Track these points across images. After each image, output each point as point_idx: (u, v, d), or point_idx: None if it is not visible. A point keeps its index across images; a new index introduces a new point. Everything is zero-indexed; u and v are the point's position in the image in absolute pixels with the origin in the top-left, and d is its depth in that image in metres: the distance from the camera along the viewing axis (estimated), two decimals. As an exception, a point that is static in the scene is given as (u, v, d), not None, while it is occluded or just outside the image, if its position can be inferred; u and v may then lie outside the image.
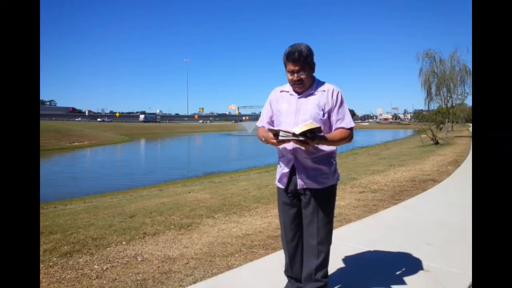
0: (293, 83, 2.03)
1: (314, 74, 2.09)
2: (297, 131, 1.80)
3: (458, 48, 25.41)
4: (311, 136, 1.82)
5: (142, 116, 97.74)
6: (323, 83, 2.09)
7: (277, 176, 2.18)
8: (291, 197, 2.12)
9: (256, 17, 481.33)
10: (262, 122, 2.21)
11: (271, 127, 1.97)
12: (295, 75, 1.99)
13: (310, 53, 2.00)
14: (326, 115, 2.01)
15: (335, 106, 2.02)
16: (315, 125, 1.82)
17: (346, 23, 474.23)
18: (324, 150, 2.03)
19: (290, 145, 2.03)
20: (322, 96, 2.02)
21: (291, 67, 1.99)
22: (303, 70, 1.98)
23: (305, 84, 2.03)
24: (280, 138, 1.85)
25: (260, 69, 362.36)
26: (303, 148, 1.94)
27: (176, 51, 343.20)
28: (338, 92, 2.04)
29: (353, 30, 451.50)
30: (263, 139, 2.02)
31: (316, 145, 1.98)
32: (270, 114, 2.18)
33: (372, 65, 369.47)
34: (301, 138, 1.81)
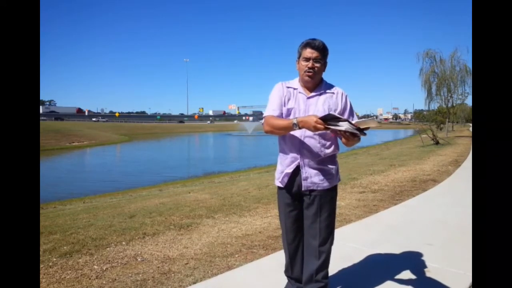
0: (306, 71, 1.98)
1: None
2: (362, 125, 1.77)
3: (458, 48, 25.50)
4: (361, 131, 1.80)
5: (251, 118, 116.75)
6: (331, 85, 2.08)
7: (278, 176, 2.12)
8: (293, 198, 2.10)
9: (256, 17, 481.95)
10: (276, 110, 2.01)
11: (332, 113, 1.80)
12: (311, 61, 1.96)
13: (327, 48, 2.01)
14: None
15: (345, 109, 2.03)
16: (376, 123, 1.82)
17: (346, 23, 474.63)
18: (329, 153, 2.02)
19: (297, 146, 2.01)
20: (332, 99, 2.02)
21: (308, 54, 1.97)
22: (319, 60, 1.98)
23: (316, 76, 2.00)
24: (343, 128, 1.75)
25: (260, 69, 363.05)
26: (325, 142, 1.96)
27: (176, 51, 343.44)
28: (346, 96, 2.06)
29: (353, 30, 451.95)
30: (295, 122, 1.83)
31: (325, 148, 1.99)
32: (282, 102, 2.03)
33: (372, 65, 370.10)
34: (363, 133, 1.78)
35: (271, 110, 2.03)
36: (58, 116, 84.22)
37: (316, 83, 2.04)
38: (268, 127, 1.99)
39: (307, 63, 1.97)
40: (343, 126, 1.76)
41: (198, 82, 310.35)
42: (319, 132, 1.88)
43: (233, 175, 12.54)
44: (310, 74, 1.98)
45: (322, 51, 1.98)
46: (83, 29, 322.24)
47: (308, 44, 1.98)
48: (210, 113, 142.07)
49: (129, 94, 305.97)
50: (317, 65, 1.97)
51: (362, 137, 1.84)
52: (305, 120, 1.81)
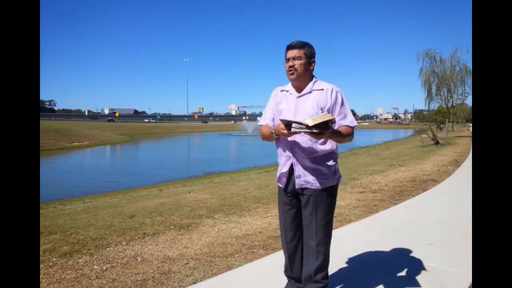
0: (288, 71, 2.04)
1: (314, 74, 2.09)
2: (311, 123, 1.74)
3: (458, 48, 25.46)
4: (325, 127, 1.77)
5: (258, 118, 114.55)
6: (323, 83, 2.08)
7: (277, 176, 2.17)
8: (290, 197, 2.11)
9: (256, 17, 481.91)
10: (266, 119, 2.16)
11: (284, 118, 1.89)
12: (290, 61, 2.02)
13: (308, 45, 2.05)
14: None
15: (335, 105, 2.01)
16: (329, 116, 1.78)
17: (346, 23, 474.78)
18: (323, 150, 2.01)
19: (288, 145, 2.03)
20: (321, 95, 2.01)
21: (288, 55, 2.04)
22: (298, 58, 2.01)
23: (299, 74, 2.02)
24: (292, 130, 1.79)
25: (260, 69, 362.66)
26: (317, 140, 1.93)
27: (176, 51, 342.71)
28: (337, 92, 2.03)
29: (353, 30, 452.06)
30: (272, 131, 1.97)
31: (318, 144, 1.98)
32: (275, 111, 2.14)
33: (372, 65, 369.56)
34: (315, 131, 1.76)
35: (264, 118, 2.19)
36: (110, 119, 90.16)
37: (305, 82, 2.06)
38: (261, 135, 2.18)
39: (287, 64, 2.04)
40: (293, 128, 1.79)
41: (198, 82, 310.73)
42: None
43: (233, 175, 12.54)
44: (291, 72, 2.03)
45: (299, 48, 2.02)
46: (83, 29, 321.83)
47: (287, 47, 2.07)
48: (232, 113, 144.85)
49: (129, 94, 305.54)
50: (296, 62, 2.01)
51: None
52: (275, 128, 1.94)
